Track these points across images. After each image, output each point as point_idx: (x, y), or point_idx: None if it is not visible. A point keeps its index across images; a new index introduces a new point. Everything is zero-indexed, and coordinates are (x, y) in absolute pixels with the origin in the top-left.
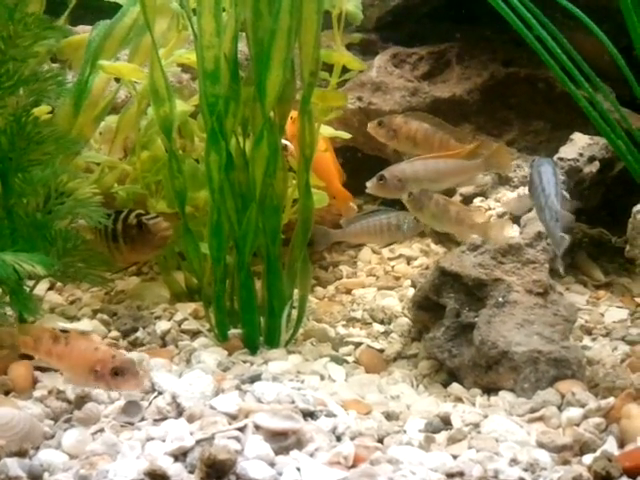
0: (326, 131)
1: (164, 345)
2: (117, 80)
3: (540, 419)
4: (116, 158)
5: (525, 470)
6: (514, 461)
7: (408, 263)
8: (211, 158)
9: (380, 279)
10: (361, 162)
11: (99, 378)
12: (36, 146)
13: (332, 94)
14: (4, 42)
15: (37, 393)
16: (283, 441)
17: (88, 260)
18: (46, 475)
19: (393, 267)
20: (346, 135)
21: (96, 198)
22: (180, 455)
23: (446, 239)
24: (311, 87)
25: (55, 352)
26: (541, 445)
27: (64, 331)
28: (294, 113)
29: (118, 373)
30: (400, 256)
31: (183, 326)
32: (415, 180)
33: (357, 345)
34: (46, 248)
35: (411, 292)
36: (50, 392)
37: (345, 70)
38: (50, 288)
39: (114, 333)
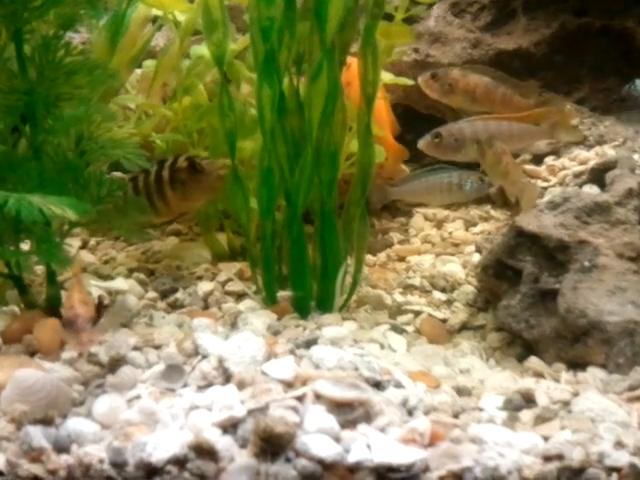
0: (385, 77)
1: (206, 307)
2: (153, 22)
3: None
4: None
5: (634, 455)
6: (619, 444)
7: (467, 229)
8: (263, 93)
9: (437, 246)
10: (415, 122)
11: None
12: (67, 77)
13: (398, 29)
14: None
15: (66, 355)
16: (349, 413)
17: (124, 209)
18: (74, 447)
19: (451, 233)
20: (408, 82)
21: (134, 139)
22: (230, 427)
23: (516, 203)
24: (376, 19)
25: None
26: None
27: None
28: (348, 59)
29: (68, 326)
30: (456, 221)
31: (227, 287)
32: (473, 142)
33: (416, 314)
34: (78, 193)
35: (476, 258)
36: (80, 354)
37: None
38: (83, 247)
39: (152, 294)
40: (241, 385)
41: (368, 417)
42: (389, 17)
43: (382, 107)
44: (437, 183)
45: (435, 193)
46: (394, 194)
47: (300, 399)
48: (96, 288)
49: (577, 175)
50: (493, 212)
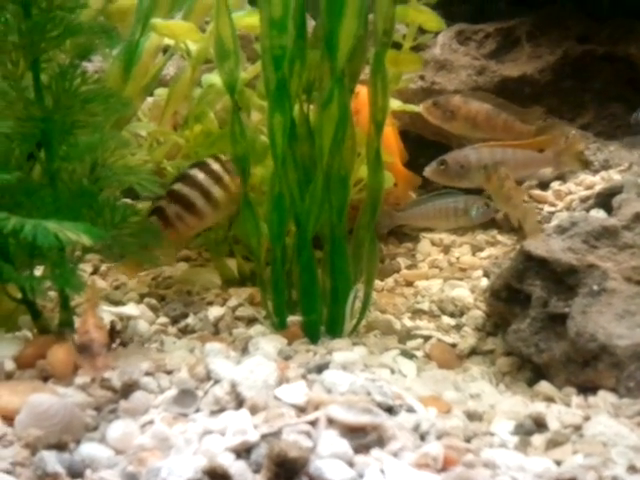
0: (393, 104)
1: (217, 333)
2: (164, 52)
3: None
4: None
5: None
6: (633, 469)
7: (474, 254)
8: (275, 121)
9: (444, 270)
10: (421, 148)
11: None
12: (83, 105)
13: (406, 57)
14: None
15: (79, 380)
16: (362, 438)
17: (138, 235)
18: (88, 472)
19: (458, 258)
20: (416, 109)
21: (148, 166)
22: (243, 451)
23: (519, 228)
24: (385, 47)
25: None
26: None
27: None
28: (357, 87)
29: (84, 350)
30: (463, 246)
31: (237, 312)
32: (479, 169)
33: (426, 339)
34: (92, 219)
35: (484, 283)
36: (93, 379)
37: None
38: (94, 272)
39: (162, 319)
40: (254, 410)
41: (381, 442)
42: (397, 45)
43: (391, 134)
44: (443, 208)
45: (441, 218)
46: (401, 219)
47: (313, 424)
48: (108, 313)
49: (584, 200)
50: (500, 237)
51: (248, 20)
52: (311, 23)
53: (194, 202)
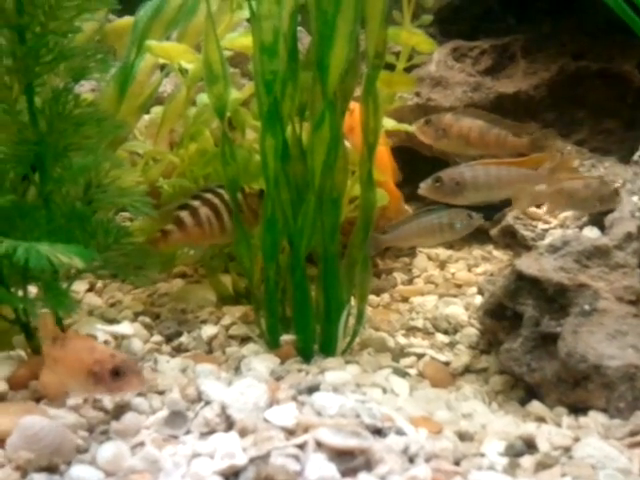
0: (387, 123)
1: (210, 351)
2: (161, 69)
3: None
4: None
5: None
6: None
7: (469, 270)
8: (267, 143)
9: (440, 287)
10: (418, 165)
11: (98, 381)
12: (76, 128)
13: (399, 78)
14: (44, 14)
15: (71, 401)
16: (350, 461)
17: (131, 256)
18: None
19: (454, 274)
20: (409, 128)
21: (141, 187)
22: (231, 475)
23: (514, 243)
24: (377, 69)
25: (51, 355)
26: None
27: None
28: (351, 104)
29: (118, 373)
30: (459, 262)
31: (231, 331)
32: (474, 186)
33: (419, 356)
34: (85, 241)
35: (478, 300)
36: (85, 400)
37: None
38: (90, 289)
39: (157, 337)
40: (243, 432)
41: (369, 465)
42: (392, 66)
43: (384, 153)
44: (428, 225)
45: (427, 235)
46: (387, 241)
47: (301, 447)
48: (102, 332)
49: (577, 217)
50: (495, 252)
51: (243, 41)
52: (307, 38)
53: (222, 213)
